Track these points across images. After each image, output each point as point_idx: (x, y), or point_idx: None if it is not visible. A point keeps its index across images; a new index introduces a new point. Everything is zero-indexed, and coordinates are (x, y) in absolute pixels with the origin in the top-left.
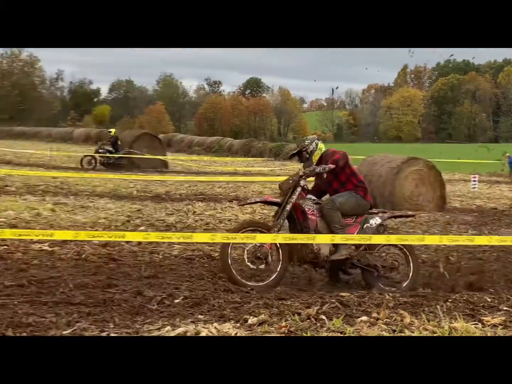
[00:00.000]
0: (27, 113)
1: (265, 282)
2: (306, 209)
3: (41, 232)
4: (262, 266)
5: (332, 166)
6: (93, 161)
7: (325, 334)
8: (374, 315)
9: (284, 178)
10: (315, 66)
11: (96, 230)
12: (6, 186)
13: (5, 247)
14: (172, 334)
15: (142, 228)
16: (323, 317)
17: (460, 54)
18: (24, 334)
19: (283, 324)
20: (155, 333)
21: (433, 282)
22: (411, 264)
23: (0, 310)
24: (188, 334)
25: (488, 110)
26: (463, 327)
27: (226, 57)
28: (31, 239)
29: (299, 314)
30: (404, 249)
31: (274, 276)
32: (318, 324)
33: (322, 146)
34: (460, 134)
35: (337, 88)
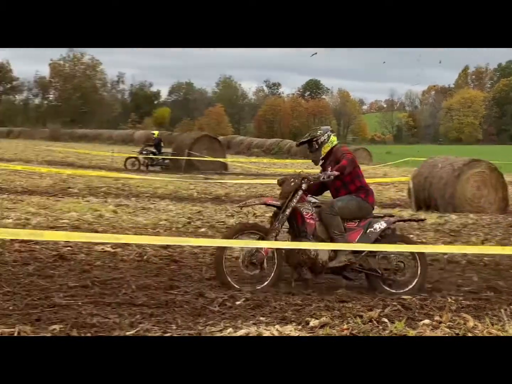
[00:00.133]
0: (89, 115)
1: (257, 288)
2: (304, 213)
3: (30, 232)
4: (257, 272)
5: (336, 173)
6: (136, 162)
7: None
8: (437, 318)
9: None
10: (374, 67)
11: (158, 231)
12: (69, 188)
13: (69, 248)
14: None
15: (202, 229)
16: (385, 319)
17: None
18: (89, 335)
19: (345, 326)
20: (217, 335)
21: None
22: (419, 266)
23: (64, 311)
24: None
25: None
26: None
27: (285, 59)
28: (96, 242)
29: (361, 316)
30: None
31: (267, 282)
32: (380, 327)
33: (334, 139)
34: None
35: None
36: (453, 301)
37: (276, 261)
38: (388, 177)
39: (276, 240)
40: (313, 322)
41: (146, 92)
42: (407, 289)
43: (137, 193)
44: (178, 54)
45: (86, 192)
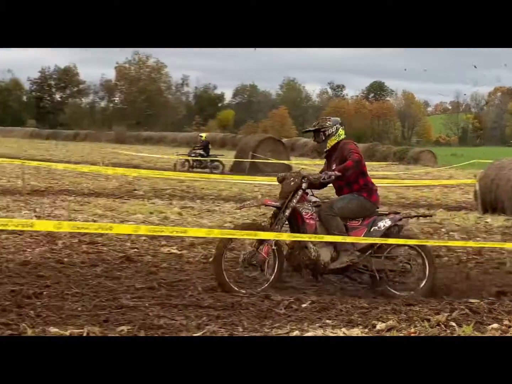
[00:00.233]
0: (154, 118)
1: (257, 290)
2: (304, 213)
3: (20, 222)
4: (256, 273)
5: (338, 174)
6: (186, 163)
7: None
8: (506, 322)
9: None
10: (440, 68)
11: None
12: (135, 190)
13: (136, 250)
14: None
15: None
16: (453, 323)
17: None
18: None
19: (412, 330)
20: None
21: None
22: (427, 266)
23: (132, 312)
24: None
25: None
26: None
27: (349, 61)
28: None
29: (428, 320)
30: (419, 250)
31: (266, 284)
32: (448, 331)
33: (342, 133)
34: None
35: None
36: None
37: (276, 262)
38: (453, 179)
39: (275, 241)
40: (380, 325)
41: (210, 94)
42: (413, 291)
43: (202, 195)
44: (242, 57)
45: (151, 194)
